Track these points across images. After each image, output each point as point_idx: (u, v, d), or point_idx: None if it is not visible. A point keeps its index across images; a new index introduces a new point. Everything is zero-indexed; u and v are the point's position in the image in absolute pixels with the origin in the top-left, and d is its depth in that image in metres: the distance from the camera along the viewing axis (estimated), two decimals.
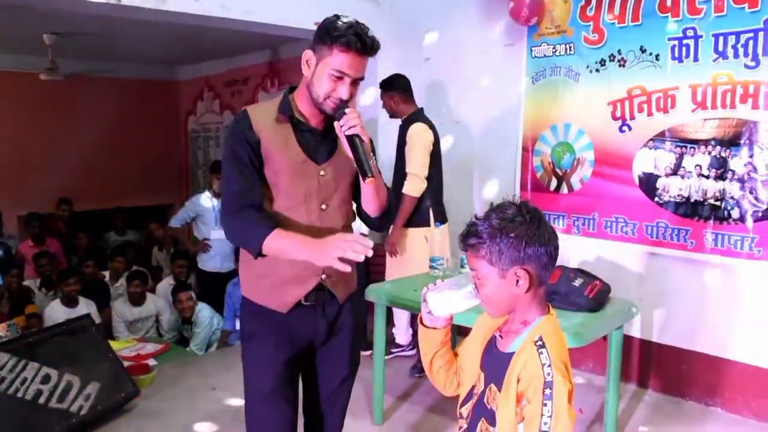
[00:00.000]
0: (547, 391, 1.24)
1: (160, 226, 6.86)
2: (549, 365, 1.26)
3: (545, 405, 1.24)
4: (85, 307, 4.77)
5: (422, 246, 3.60)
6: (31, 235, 6.18)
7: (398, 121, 3.81)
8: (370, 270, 4.29)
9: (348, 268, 1.63)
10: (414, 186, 3.58)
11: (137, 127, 8.10)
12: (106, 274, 5.81)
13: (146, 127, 8.21)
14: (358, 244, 1.60)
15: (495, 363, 1.38)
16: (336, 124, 1.77)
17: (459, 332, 2.81)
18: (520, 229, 1.29)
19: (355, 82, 1.79)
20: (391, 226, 3.66)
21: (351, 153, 1.76)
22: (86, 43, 6.28)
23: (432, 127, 3.67)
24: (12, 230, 7.03)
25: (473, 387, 1.45)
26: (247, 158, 1.81)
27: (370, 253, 1.58)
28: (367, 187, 1.84)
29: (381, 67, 4.07)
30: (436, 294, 1.46)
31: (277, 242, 1.74)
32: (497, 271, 1.32)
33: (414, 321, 3.98)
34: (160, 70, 8.40)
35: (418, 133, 3.60)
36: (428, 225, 3.63)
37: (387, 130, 4.33)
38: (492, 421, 1.35)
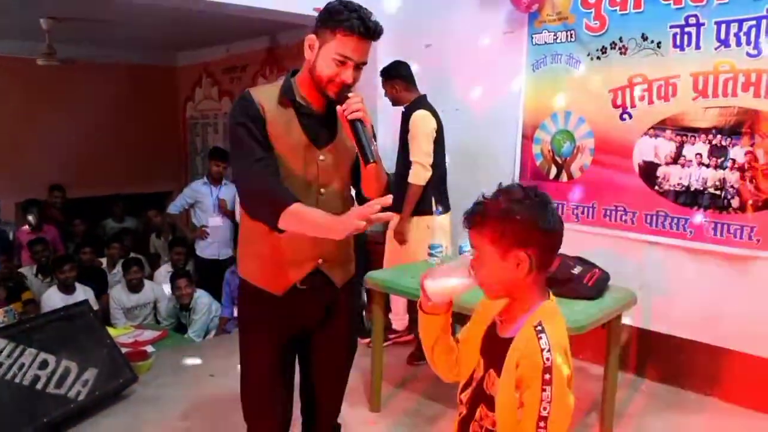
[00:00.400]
0: (546, 377, 1.23)
1: (158, 213, 6.85)
2: (548, 350, 1.25)
3: (544, 390, 1.22)
4: (83, 293, 4.77)
5: (423, 234, 3.59)
6: (28, 221, 6.17)
7: (400, 109, 3.79)
8: (370, 258, 4.28)
9: (363, 224, 1.58)
10: (419, 175, 3.56)
11: (135, 114, 8.05)
12: (104, 261, 5.81)
13: (144, 113, 8.16)
14: (374, 203, 1.57)
15: (494, 348, 1.37)
16: (338, 108, 1.76)
17: (457, 320, 2.81)
18: (526, 212, 1.28)
19: (359, 67, 1.78)
20: (398, 216, 3.65)
21: (353, 138, 1.75)
22: (84, 27, 6.24)
23: (435, 113, 3.64)
24: (9, 217, 7.02)
25: (473, 373, 1.45)
26: (259, 133, 1.78)
27: (389, 201, 1.56)
28: (367, 172, 1.83)
29: (381, 53, 4.04)
30: (432, 279, 1.45)
31: (297, 216, 1.70)
32: (498, 252, 1.30)
33: (411, 307, 3.98)
34: (158, 55, 8.35)
35: (421, 120, 3.58)
36: (431, 213, 3.62)
37: (386, 116, 4.31)
38: (491, 407, 1.34)
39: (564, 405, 1.23)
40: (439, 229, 3.49)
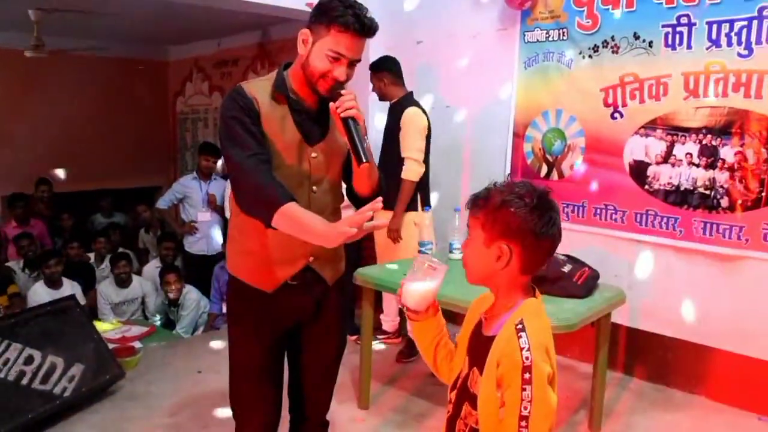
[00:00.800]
0: (526, 376, 1.22)
1: (147, 208, 6.81)
2: (527, 349, 1.24)
3: (524, 390, 1.22)
4: (70, 288, 4.73)
5: (411, 230, 3.60)
6: (14, 215, 6.10)
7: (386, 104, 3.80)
8: (363, 255, 4.27)
9: (355, 231, 1.55)
10: (414, 170, 3.57)
11: (125, 108, 7.99)
12: (92, 256, 5.77)
13: (134, 107, 8.11)
14: (365, 210, 1.54)
15: (478, 346, 1.37)
16: (331, 105, 1.73)
17: (450, 318, 2.80)
18: (523, 209, 1.28)
19: (352, 64, 1.75)
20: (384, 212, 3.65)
21: (346, 135, 1.72)
22: (73, 19, 6.17)
23: (424, 111, 3.66)
24: None
25: (460, 371, 1.44)
26: (253, 126, 1.74)
27: (380, 206, 1.54)
28: (359, 170, 1.81)
29: (373, 49, 4.02)
30: (407, 292, 1.47)
31: (291, 218, 1.64)
32: (485, 238, 1.32)
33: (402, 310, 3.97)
34: (149, 49, 8.29)
35: (414, 117, 3.59)
36: (416, 209, 3.63)
37: (378, 112, 4.29)
38: (475, 405, 1.34)
39: (545, 404, 1.23)
40: (425, 225, 3.50)
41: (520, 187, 1.32)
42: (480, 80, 4.16)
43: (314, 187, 1.85)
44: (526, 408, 1.21)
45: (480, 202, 1.34)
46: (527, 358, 1.23)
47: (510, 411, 1.23)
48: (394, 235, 3.66)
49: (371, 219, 1.54)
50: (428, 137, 3.67)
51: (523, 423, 1.21)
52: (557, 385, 1.28)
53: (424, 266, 1.44)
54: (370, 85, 3.88)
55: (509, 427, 1.23)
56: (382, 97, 3.82)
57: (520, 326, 1.28)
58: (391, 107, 3.76)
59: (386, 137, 3.74)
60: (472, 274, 1.38)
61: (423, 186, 3.68)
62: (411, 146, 3.56)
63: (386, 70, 3.74)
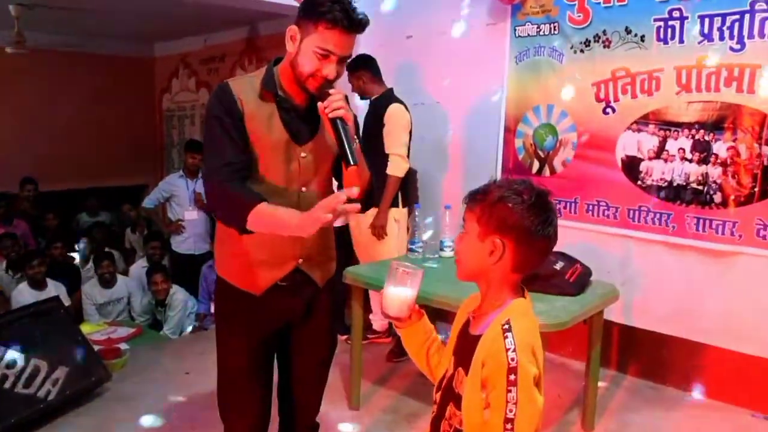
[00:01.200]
0: (511, 377, 1.20)
1: (133, 207, 6.73)
2: (513, 350, 1.22)
3: (509, 391, 1.20)
4: (54, 289, 4.65)
5: (391, 227, 3.61)
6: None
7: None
8: (353, 255, 4.23)
9: (330, 217, 1.50)
10: (399, 166, 3.56)
11: (110, 105, 7.89)
12: (77, 256, 5.69)
13: (120, 104, 8.00)
14: (340, 194, 1.50)
15: (465, 346, 1.35)
16: (319, 105, 1.68)
17: (439, 316, 2.76)
18: (520, 206, 1.27)
19: (342, 61, 1.69)
20: (377, 209, 3.61)
21: (334, 136, 1.67)
22: (55, 15, 6.08)
23: (406, 107, 3.64)
24: None
25: (446, 371, 1.42)
26: (234, 129, 1.70)
27: (355, 192, 1.51)
28: (349, 172, 1.76)
29: (361, 45, 3.96)
30: (386, 300, 1.45)
31: (263, 217, 1.62)
32: (479, 232, 1.31)
33: None
34: (134, 45, 8.18)
35: (398, 113, 3.58)
36: (397, 206, 3.61)
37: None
38: (459, 406, 1.32)
39: (531, 406, 1.21)
40: (404, 222, 3.47)
41: (519, 185, 1.31)
42: (470, 75, 4.12)
43: (303, 188, 1.80)
44: (511, 410, 1.20)
45: (478, 197, 1.33)
46: (513, 359, 1.21)
47: (495, 413, 1.22)
48: (379, 231, 3.64)
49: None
50: (410, 134, 3.66)
51: (509, 425, 1.20)
52: (544, 386, 1.27)
53: (398, 272, 1.43)
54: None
55: (494, 428, 1.22)
56: (363, 95, 3.82)
57: (506, 326, 1.26)
58: (372, 104, 3.74)
59: (367, 133, 3.70)
60: (464, 268, 1.37)
61: (404, 183, 3.67)
62: (396, 142, 3.55)
63: (363, 68, 3.72)
